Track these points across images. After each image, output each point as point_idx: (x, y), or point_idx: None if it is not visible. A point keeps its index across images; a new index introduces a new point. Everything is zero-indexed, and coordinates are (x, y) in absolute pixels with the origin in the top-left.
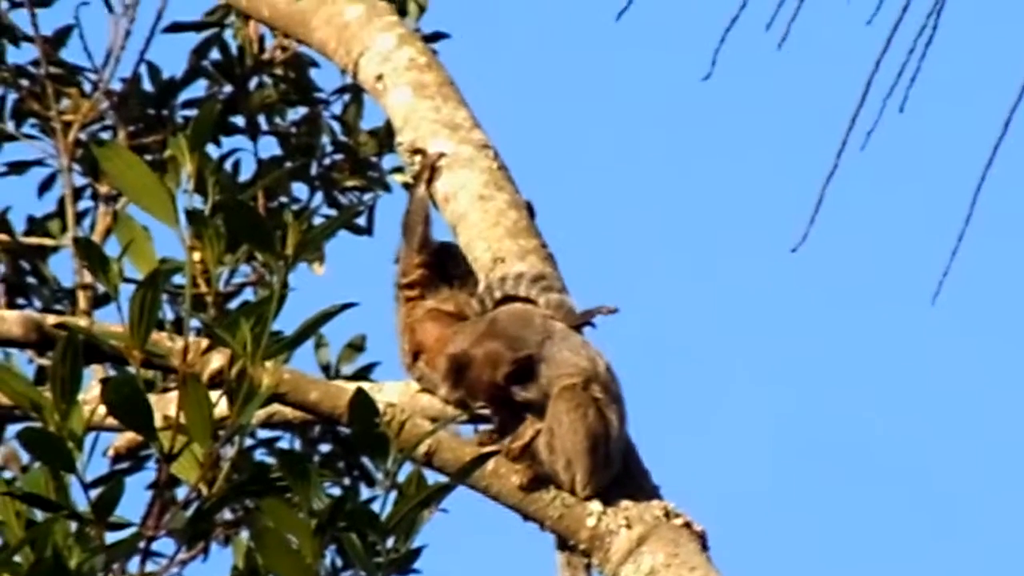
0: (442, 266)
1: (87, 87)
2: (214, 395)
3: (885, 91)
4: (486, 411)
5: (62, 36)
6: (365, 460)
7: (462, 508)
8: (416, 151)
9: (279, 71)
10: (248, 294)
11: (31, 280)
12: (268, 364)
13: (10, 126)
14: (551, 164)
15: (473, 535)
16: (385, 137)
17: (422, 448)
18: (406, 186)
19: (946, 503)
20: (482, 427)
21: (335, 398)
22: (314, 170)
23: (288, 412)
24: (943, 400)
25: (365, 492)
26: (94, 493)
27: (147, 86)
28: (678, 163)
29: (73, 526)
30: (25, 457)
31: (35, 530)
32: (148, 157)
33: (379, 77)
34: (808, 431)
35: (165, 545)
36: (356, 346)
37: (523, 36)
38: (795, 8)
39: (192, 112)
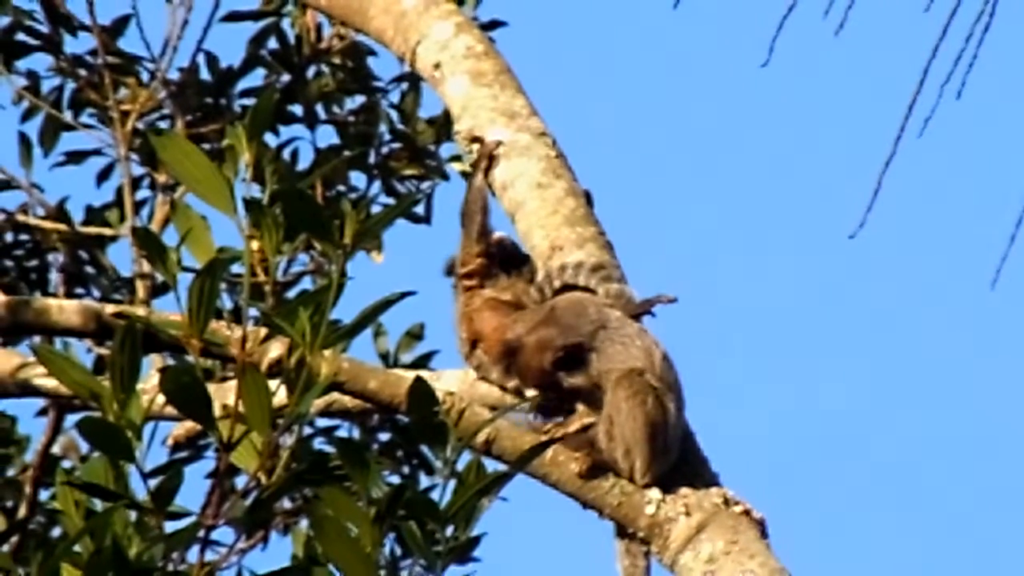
0: (501, 256)
1: (145, 76)
2: (273, 384)
3: (942, 78)
4: (542, 399)
5: (120, 26)
6: (424, 449)
7: (521, 496)
8: (474, 139)
9: (337, 60)
10: (306, 283)
11: (89, 269)
12: (327, 353)
13: (68, 116)
14: (609, 152)
15: (532, 523)
16: (443, 125)
17: (481, 436)
18: (464, 175)
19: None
20: (539, 416)
21: (394, 387)
22: (372, 159)
23: (347, 401)
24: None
25: (424, 481)
26: (153, 482)
27: (205, 75)
28: (736, 151)
29: (132, 515)
30: (84, 447)
31: (95, 520)
32: (206, 146)
33: (436, 65)
34: (871, 422)
35: (224, 534)
36: (415, 334)
37: (580, 23)
38: None
39: (250, 101)
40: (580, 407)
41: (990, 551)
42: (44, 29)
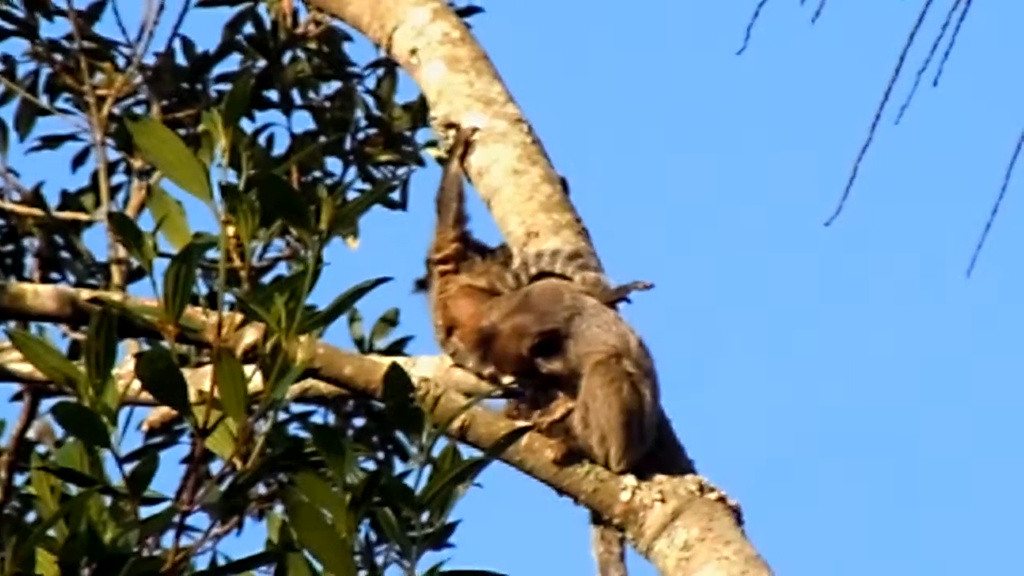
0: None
1: (121, 61)
2: (248, 370)
3: (919, 65)
4: (519, 386)
5: (96, 10)
6: (399, 435)
7: (496, 483)
8: (450, 125)
9: (313, 45)
10: (282, 269)
11: (65, 255)
12: (302, 339)
13: (44, 100)
14: (585, 139)
15: (507, 510)
16: (419, 111)
17: (456, 423)
18: (440, 160)
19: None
20: (522, 403)
21: (369, 372)
22: (348, 144)
23: (322, 387)
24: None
25: (399, 467)
26: (128, 468)
27: (181, 60)
28: (713, 136)
29: (107, 501)
30: (59, 432)
31: (69, 504)
32: (182, 132)
33: (413, 51)
34: (852, 408)
35: (199, 519)
36: (390, 320)
37: (557, 10)
38: None
39: (226, 87)
40: (561, 393)
41: (986, 549)
42: (20, 13)
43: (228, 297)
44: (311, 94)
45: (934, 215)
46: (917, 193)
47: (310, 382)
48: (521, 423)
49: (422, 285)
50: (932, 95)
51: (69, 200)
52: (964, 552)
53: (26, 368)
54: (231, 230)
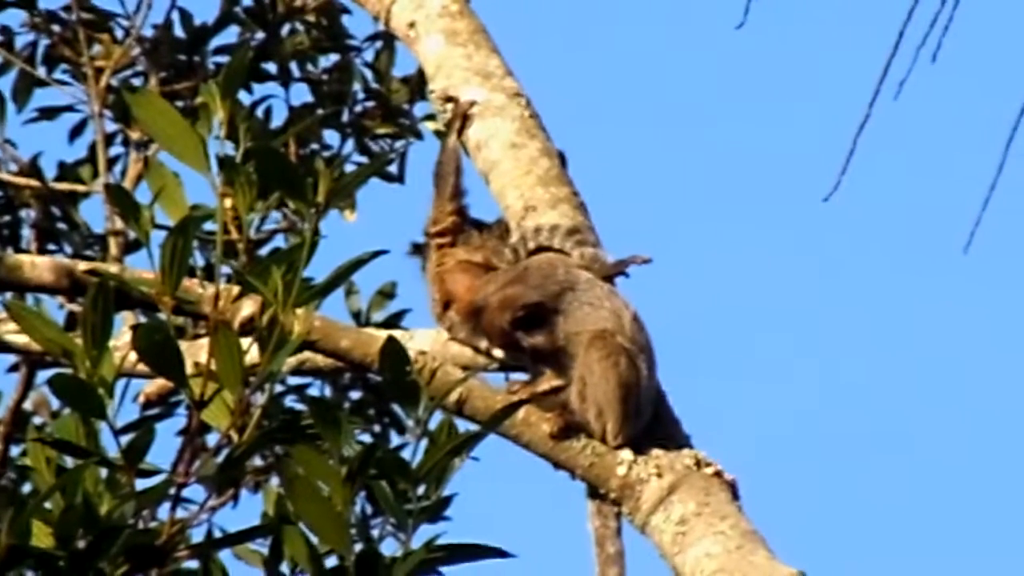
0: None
1: (119, 33)
2: (245, 342)
3: (918, 40)
4: (514, 360)
5: None
6: (396, 408)
7: (493, 456)
8: (448, 99)
9: (311, 18)
10: (279, 241)
11: (62, 226)
12: (299, 311)
13: (41, 72)
14: (583, 113)
15: (504, 483)
16: (417, 85)
17: (453, 396)
18: (438, 134)
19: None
20: (513, 376)
21: (366, 345)
22: (346, 117)
23: (319, 359)
24: (970, 357)
25: (396, 440)
26: (124, 439)
27: (179, 32)
28: (710, 112)
29: (104, 472)
30: (56, 403)
31: (66, 476)
32: (180, 104)
33: (411, 24)
34: (849, 381)
35: (195, 492)
36: (387, 293)
37: None
38: None
39: (224, 59)
40: (549, 371)
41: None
42: None
43: (225, 269)
44: (309, 67)
45: (933, 193)
46: (912, 173)
47: (307, 355)
48: (518, 397)
49: (417, 250)
50: (931, 71)
51: (66, 171)
52: (969, 537)
53: (22, 339)
54: (228, 202)
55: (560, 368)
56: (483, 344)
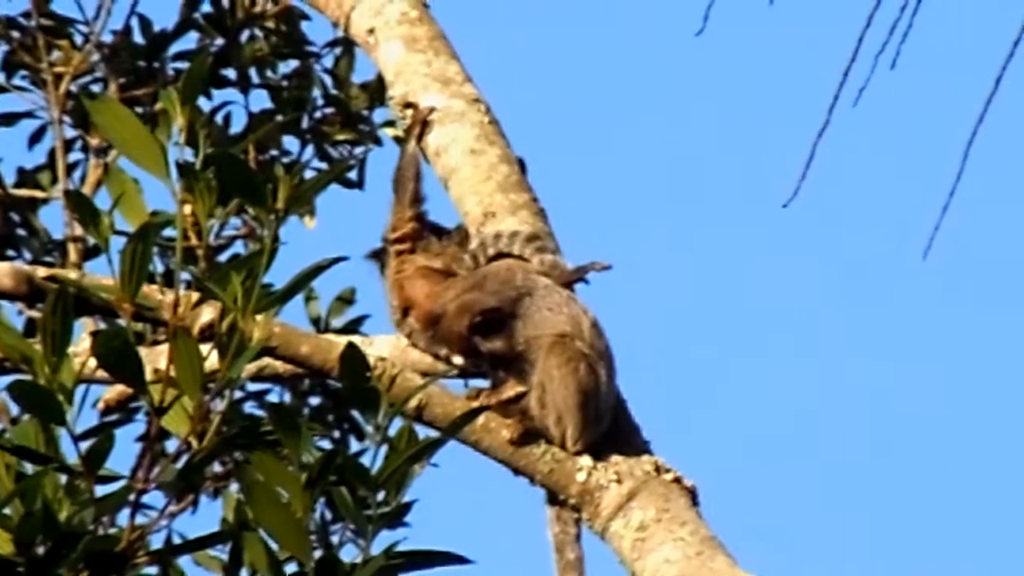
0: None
1: (78, 39)
2: (204, 348)
3: (877, 47)
4: (473, 367)
5: None
6: (355, 414)
7: (452, 462)
8: (407, 105)
9: (270, 24)
10: (239, 247)
11: (21, 232)
12: (259, 317)
13: (1, 78)
14: (543, 119)
15: (463, 490)
16: (376, 91)
17: (413, 402)
18: (397, 140)
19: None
20: (473, 383)
21: (325, 352)
22: (305, 123)
23: (278, 365)
24: (944, 356)
25: (355, 446)
26: (84, 446)
27: (138, 38)
28: (670, 118)
29: (63, 479)
30: (15, 409)
31: (25, 483)
32: (139, 110)
33: (371, 31)
34: (814, 390)
35: (155, 498)
36: (346, 299)
37: None
38: None
39: (183, 65)
40: (512, 378)
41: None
42: None
43: (185, 276)
44: (269, 73)
45: (893, 198)
46: (874, 176)
47: (266, 361)
48: (478, 403)
49: (375, 256)
50: (890, 77)
51: (26, 177)
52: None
53: None
54: (188, 208)
55: (519, 374)
56: (442, 351)
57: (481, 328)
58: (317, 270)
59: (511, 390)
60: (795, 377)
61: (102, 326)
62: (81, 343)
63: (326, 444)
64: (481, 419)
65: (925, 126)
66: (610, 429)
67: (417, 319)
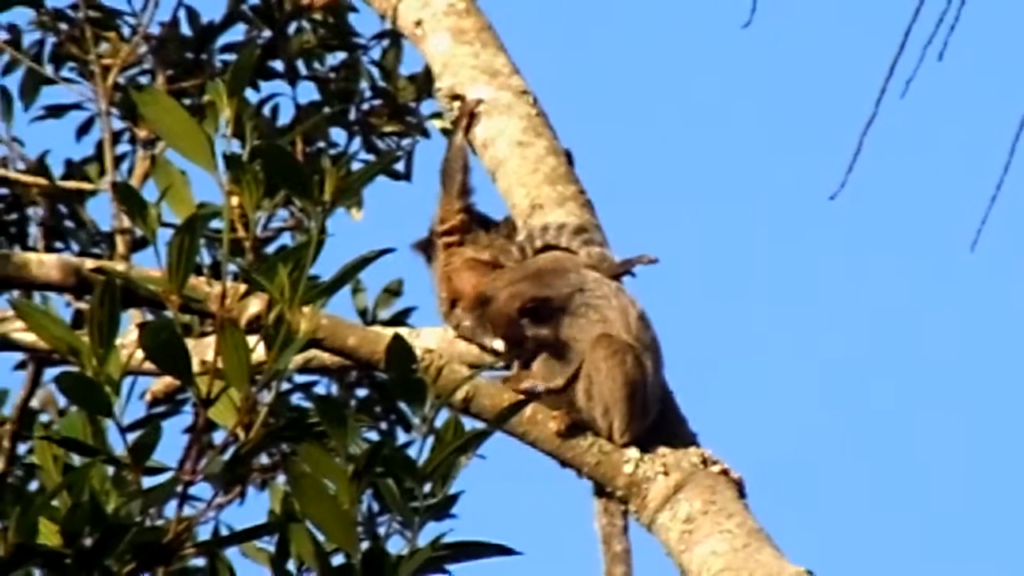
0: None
1: (126, 31)
2: (251, 340)
3: (924, 39)
4: (515, 356)
5: None
6: (402, 406)
7: (500, 454)
8: (455, 97)
9: (318, 16)
10: (286, 239)
11: (69, 224)
12: (306, 309)
13: (49, 70)
14: (590, 110)
15: (510, 482)
16: (424, 83)
17: (459, 394)
18: (445, 132)
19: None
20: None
21: (372, 343)
22: (352, 115)
23: (325, 357)
24: (982, 351)
25: (402, 437)
26: (131, 437)
27: (186, 30)
28: (718, 110)
29: (110, 471)
30: (63, 401)
31: (72, 475)
32: (186, 101)
33: (418, 23)
34: (853, 380)
35: (202, 490)
36: (393, 291)
37: None
38: None
39: (231, 57)
40: (535, 367)
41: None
42: None
43: (232, 267)
44: (316, 65)
45: (939, 192)
46: (920, 171)
47: (313, 353)
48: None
49: (421, 246)
50: (938, 69)
51: (73, 169)
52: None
53: (30, 337)
54: (235, 200)
55: (561, 361)
56: (488, 340)
57: (531, 313)
58: (364, 262)
59: (527, 381)
60: (848, 368)
61: (149, 318)
62: (128, 335)
63: (373, 436)
64: (528, 411)
65: (972, 117)
66: (657, 421)
67: (465, 310)
